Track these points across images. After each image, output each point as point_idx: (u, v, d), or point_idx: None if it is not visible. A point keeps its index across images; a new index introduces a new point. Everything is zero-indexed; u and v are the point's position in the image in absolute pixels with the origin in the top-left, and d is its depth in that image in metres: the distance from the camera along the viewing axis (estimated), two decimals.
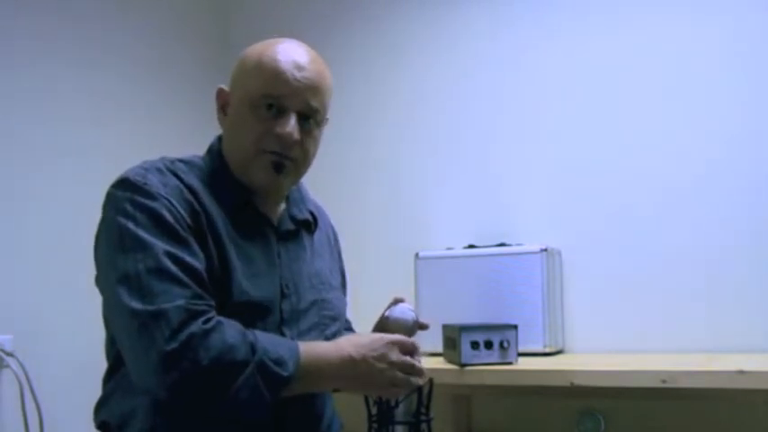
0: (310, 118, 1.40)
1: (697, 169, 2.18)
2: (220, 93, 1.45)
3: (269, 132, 1.37)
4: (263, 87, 1.37)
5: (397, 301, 1.55)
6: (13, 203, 2.05)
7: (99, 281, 1.36)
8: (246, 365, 1.23)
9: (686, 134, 2.20)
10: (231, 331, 1.25)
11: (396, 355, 1.36)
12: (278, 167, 1.39)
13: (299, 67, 1.38)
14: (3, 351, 1.96)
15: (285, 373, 1.25)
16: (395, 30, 2.60)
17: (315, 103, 1.40)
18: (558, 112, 2.35)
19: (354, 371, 1.32)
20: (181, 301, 1.23)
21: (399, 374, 1.35)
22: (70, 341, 2.10)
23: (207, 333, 1.22)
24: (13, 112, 2.08)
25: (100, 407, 1.40)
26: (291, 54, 1.39)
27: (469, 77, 2.47)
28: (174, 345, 1.19)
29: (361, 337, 1.39)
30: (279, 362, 1.25)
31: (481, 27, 2.46)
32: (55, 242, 2.13)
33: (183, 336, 1.20)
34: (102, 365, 1.41)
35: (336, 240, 1.67)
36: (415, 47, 2.56)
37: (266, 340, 1.28)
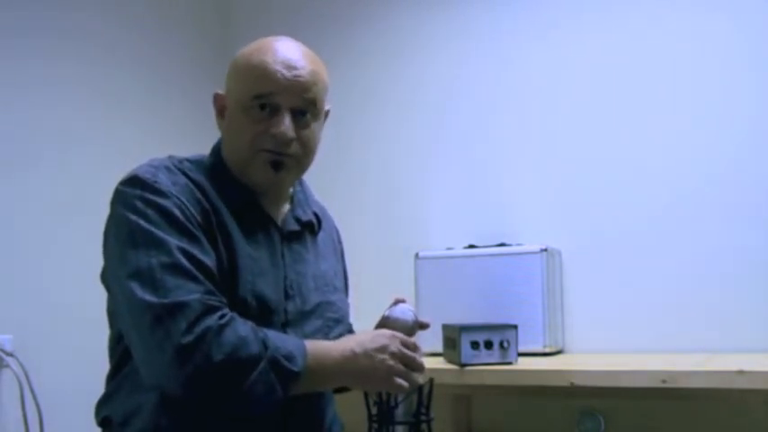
0: (307, 113, 1.40)
1: (697, 168, 2.18)
2: (217, 97, 1.45)
3: (264, 132, 1.37)
4: (254, 88, 1.37)
5: (397, 302, 1.55)
6: (13, 202, 2.05)
7: (106, 277, 1.36)
8: (259, 361, 1.23)
9: (686, 134, 2.19)
10: (244, 327, 1.25)
11: (396, 346, 1.35)
12: (276, 166, 1.39)
13: (289, 65, 1.38)
14: (3, 351, 1.96)
15: (296, 368, 1.26)
16: (394, 29, 2.59)
17: (309, 97, 1.39)
18: (558, 111, 2.35)
19: (356, 365, 1.32)
20: (197, 295, 1.23)
21: (399, 366, 1.34)
22: (70, 341, 2.10)
23: (222, 328, 1.22)
24: (12, 110, 2.08)
25: (102, 404, 1.40)
26: (281, 52, 1.39)
27: (469, 76, 2.47)
28: (189, 338, 1.19)
29: (363, 334, 1.39)
30: (289, 357, 1.26)
31: (481, 26, 2.46)
32: (55, 242, 2.13)
33: (199, 329, 1.20)
34: (102, 365, 1.41)
35: (340, 242, 1.67)
36: (413, 46, 2.56)
37: (275, 336, 1.28)
